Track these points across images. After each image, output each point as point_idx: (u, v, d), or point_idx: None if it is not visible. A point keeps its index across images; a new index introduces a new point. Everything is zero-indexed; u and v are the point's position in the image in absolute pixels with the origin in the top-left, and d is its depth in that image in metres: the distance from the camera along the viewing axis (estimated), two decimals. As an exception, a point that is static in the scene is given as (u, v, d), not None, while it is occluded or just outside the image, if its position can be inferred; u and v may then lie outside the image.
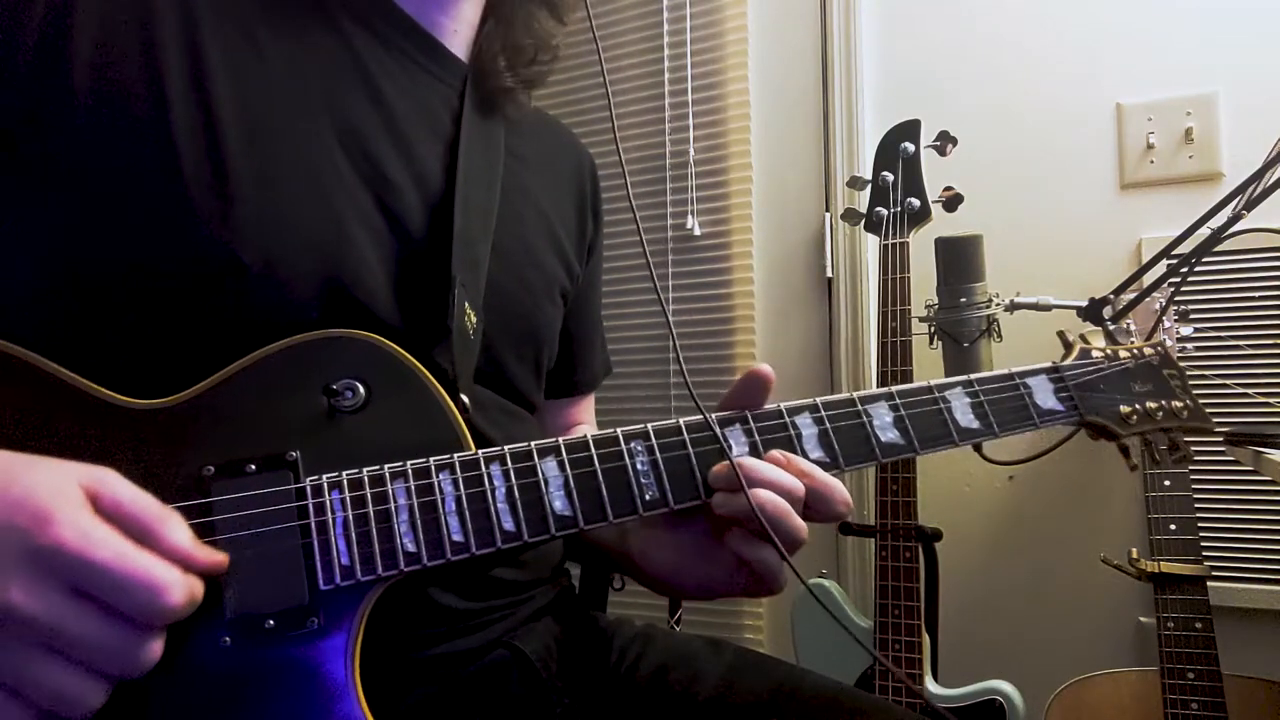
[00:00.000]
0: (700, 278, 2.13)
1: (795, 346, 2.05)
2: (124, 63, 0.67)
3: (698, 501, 0.71)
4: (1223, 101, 1.67)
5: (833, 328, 2.00)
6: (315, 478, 0.63)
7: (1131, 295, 1.21)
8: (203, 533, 0.60)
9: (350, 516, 0.63)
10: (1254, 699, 1.36)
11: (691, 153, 2.12)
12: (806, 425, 0.74)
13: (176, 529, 0.56)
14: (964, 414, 0.78)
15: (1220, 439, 1.14)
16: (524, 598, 0.86)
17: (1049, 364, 0.84)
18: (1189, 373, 0.91)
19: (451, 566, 0.64)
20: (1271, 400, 1.56)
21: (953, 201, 1.61)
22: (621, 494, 0.69)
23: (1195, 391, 0.90)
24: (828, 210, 2.01)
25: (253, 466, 0.62)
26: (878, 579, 1.56)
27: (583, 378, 1.09)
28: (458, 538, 0.64)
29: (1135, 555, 1.44)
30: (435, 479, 0.65)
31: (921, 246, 1.63)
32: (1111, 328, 1.15)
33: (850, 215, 1.76)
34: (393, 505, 0.64)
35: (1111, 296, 1.19)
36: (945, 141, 1.63)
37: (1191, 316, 1.37)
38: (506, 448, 0.68)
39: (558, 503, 0.67)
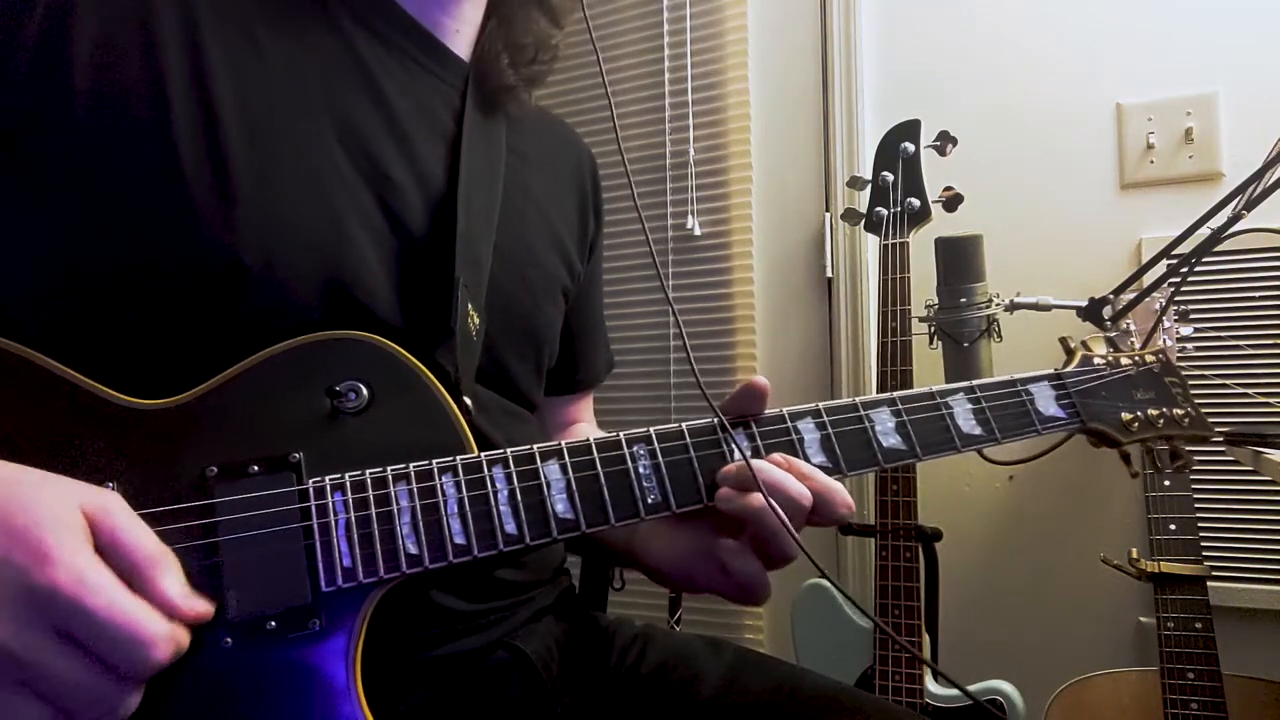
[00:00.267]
0: (700, 278, 2.13)
1: (795, 346, 2.05)
2: (124, 63, 0.67)
3: (699, 505, 0.71)
4: (1223, 101, 1.67)
5: (833, 328, 2.00)
6: (318, 479, 0.63)
7: (1131, 295, 1.21)
8: (205, 534, 0.60)
9: (352, 518, 0.63)
10: (1254, 699, 1.37)
11: (691, 153, 2.12)
12: (809, 430, 0.75)
13: (169, 574, 0.56)
14: (966, 420, 0.78)
15: (1220, 439, 1.14)
16: (525, 599, 0.86)
17: (1051, 370, 0.84)
18: (1188, 373, 0.91)
19: (453, 568, 0.64)
20: (1271, 400, 1.57)
21: (953, 201, 1.61)
22: (623, 497, 0.69)
23: (1195, 392, 0.90)
24: (828, 210, 2.01)
25: (255, 468, 0.62)
26: (878, 579, 1.56)
27: (584, 376, 1.09)
28: (460, 540, 0.64)
29: (1135, 555, 1.44)
30: (438, 481, 0.65)
31: (921, 246, 1.63)
32: (1112, 331, 1.15)
33: (850, 215, 1.76)
34: (395, 507, 0.64)
35: (1111, 296, 1.19)
36: (945, 141, 1.63)
37: (1191, 316, 1.36)
38: (509, 450, 0.68)
39: (560, 505, 0.67)
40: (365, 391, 0.66)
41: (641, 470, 0.70)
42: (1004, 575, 1.84)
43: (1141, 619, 1.70)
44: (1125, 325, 1.20)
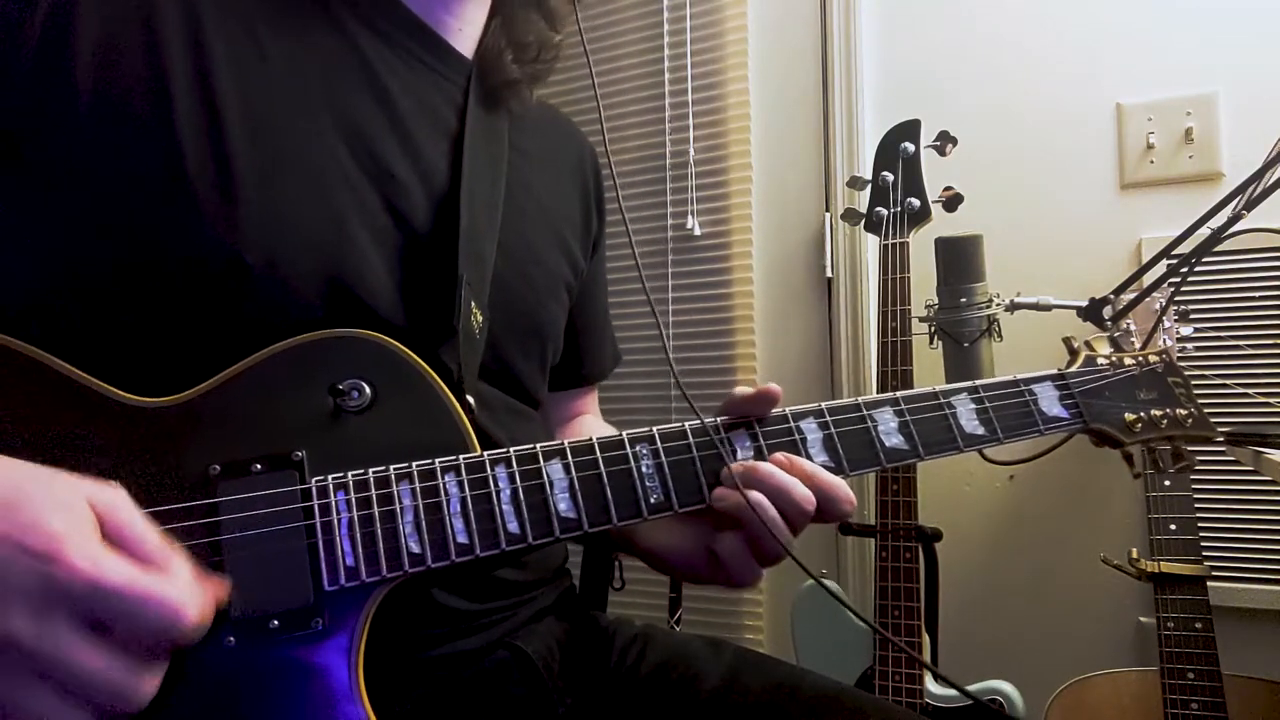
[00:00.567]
0: (700, 278, 2.13)
1: (795, 346, 2.05)
2: (127, 61, 0.67)
3: (702, 505, 0.71)
4: (1223, 101, 1.67)
5: (833, 328, 2.00)
6: (321, 478, 0.63)
7: (1131, 295, 1.21)
8: (208, 532, 0.60)
9: (355, 517, 0.63)
10: (1254, 699, 1.37)
11: (691, 153, 2.12)
12: (811, 430, 0.75)
13: (176, 566, 0.55)
14: (969, 420, 0.78)
15: (1221, 439, 1.14)
16: (526, 598, 0.86)
17: (1055, 371, 0.84)
18: (1189, 373, 0.91)
19: (456, 567, 0.64)
20: (1271, 400, 1.57)
21: (953, 201, 1.61)
22: (626, 496, 0.69)
23: (1195, 392, 0.90)
24: (828, 210, 2.01)
25: (258, 466, 0.62)
26: (878, 579, 1.56)
27: (589, 370, 1.09)
28: (462, 539, 0.64)
29: (1135, 555, 1.44)
30: (440, 480, 0.65)
31: (921, 246, 1.63)
32: (1114, 332, 1.15)
33: (850, 215, 1.76)
34: (398, 506, 0.64)
35: (1111, 296, 1.19)
36: (945, 141, 1.63)
37: (1191, 316, 1.36)
38: (512, 450, 0.68)
39: (562, 505, 0.68)
40: (368, 390, 0.66)
41: (644, 470, 0.70)
42: (1004, 575, 1.84)
43: (1141, 619, 1.70)
44: (1125, 325, 1.19)
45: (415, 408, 0.67)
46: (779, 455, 0.72)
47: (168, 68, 0.68)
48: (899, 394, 0.77)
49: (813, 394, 1.98)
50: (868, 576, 1.87)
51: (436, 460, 0.66)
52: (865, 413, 0.76)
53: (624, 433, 0.71)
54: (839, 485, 0.72)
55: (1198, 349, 1.44)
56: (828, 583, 1.75)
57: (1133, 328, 1.20)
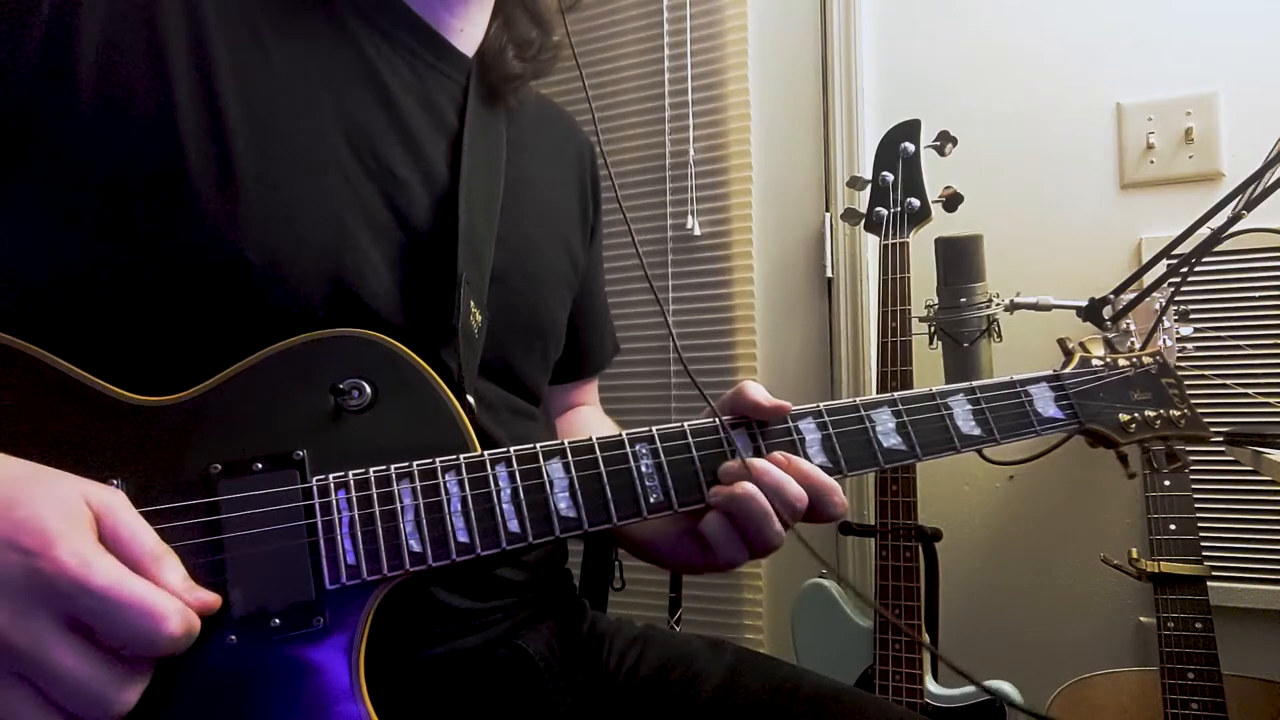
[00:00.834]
0: (700, 278, 2.13)
1: (795, 346, 2.06)
2: (129, 61, 0.67)
3: (701, 504, 0.71)
4: (1223, 101, 1.67)
5: (833, 328, 2.00)
6: (322, 477, 0.63)
7: (1131, 295, 1.21)
8: (209, 531, 0.60)
9: (356, 516, 0.63)
10: (1254, 699, 1.37)
11: (691, 153, 2.12)
12: (810, 430, 0.75)
13: (170, 568, 0.55)
14: (965, 421, 0.79)
15: (1218, 440, 1.14)
16: (526, 598, 0.86)
17: (1050, 372, 0.85)
18: (1189, 373, 0.92)
19: (456, 567, 0.65)
20: (1271, 400, 1.57)
21: (953, 201, 1.61)
22: (626, 496, 0.69)
23: (1195, 391, 0.90)
24: (828, 210, 2.02)
25: (259, 465, 0.62)
26: (878, 579, 1.56)
27: (589, 362, 1.09)
28: (463, 538, 0.65)
29: (1135, 555, 1.45)
30: (441, 480, 0.65)
31: (921, 246, 1.64)
32: (1112, 331, 1.15)
33: (850, 215, 1.76)
34: (399, 505, 0.64)
35: (1111, 296, 1.19)
36: (945, 141, 1.63)
37: (1191, 316, 1.36)
38: (512, 449, 0.68)
39: (562, 504, 0.68)
40: (369, 390, 0.66)
41: (644, 469, 0.70)
42: (1004, 575, 1.84)
43: (1141, 619, 1.71)
44: (1125, 325, 1.20)
45: (416, 407, 0.67)
46: (777, 454, 0.72)
47: (170, 67, 0.68)
48: (896, 395, 0.78)
49: (812, 394, 1.98)
50: (868, 576, 1.87)
51: (437, 459, 0.66)
52: (863, 413, 0.76)
53: (624, 433, 0.71)
54: (834, 488, 0.72)
55: (1198, 349, 1.44)
56: (826, 582, 1.75)
57: (1133, 328, 1.20)
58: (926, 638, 1.56)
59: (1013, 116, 1.84)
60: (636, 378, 2.16)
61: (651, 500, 0.70)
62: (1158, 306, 1.24)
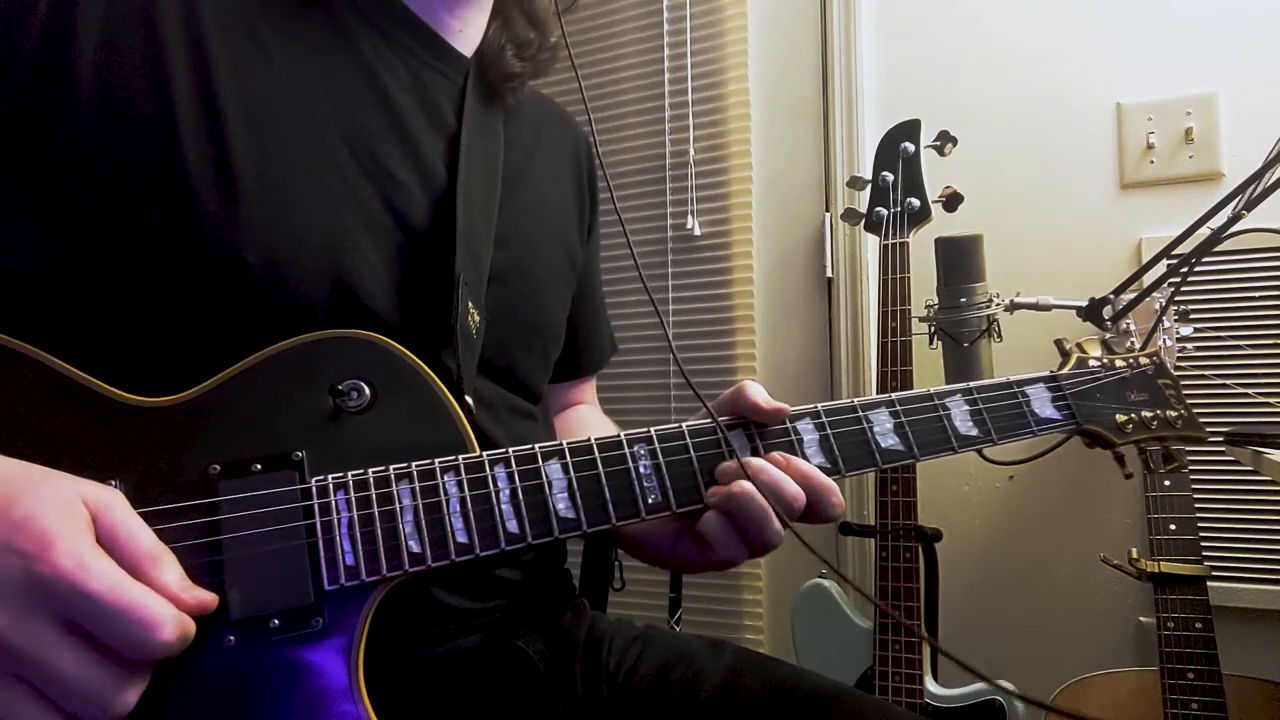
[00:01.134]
0: (700, 278, 2.13)
1: (795, 346, 2.06)
2: (127, 61, 0.67)
3: (699, 505, 0.71)
4: (1223, 101, 1.67)
5: (833, 328, 2.00)
6: (320, 478, 0.63)
7: (1131, 295, 1.21)
8: (208, 532, 0.60)
9: (355, 517, 0.63)
10: (1254, 699, 1.37)
11: (691, 153, 2.12)
12: (808, 431, 0.75)
13: (168, 568, 0.55)
14: (963, 421, 0.79)
15: (1215, 440, 1.14)
16: (526, 598, 0.86)
17: (1047, 373, 0.85)
18: (1189, 373, 0.92)
19: (455, 567, 0.65)
20: (1271, 400, 1.57)
21: (953, 201, 1.61)
22: (624, 496, 0.69)
23: (1195, 392, 0.90)
24: (828, 210, 2.02)
25: (258, 466, 0.62)
26: (878, 579, 1.56)
27: (587, 359, 1.09)
28: (462, 539, 0.65)
29: (1135, 555, 1.44)
30: (440, 480, 0.65)
31: (921, 246, 1.64)
32: (1111, 331, 1.15)
33: (850, 215, 1.76)
34: (398, 506, 0.64)
35: (1111, 296, 1.19)
36: (945, 141, 1.63)
37: (1191, 316, 1.36)
38: (511, 450, 0.68)
39: (561, 505, 0.68)
40: (368, 390, 0.66)
41: (642, 470, 0.70)
42: (1004, 575, 1.84)
43: (1141, 619, 1.70)
44: (1125, 325, 1.20)
45: (415, 408, 0.67)
46: (776, 455, 0.72)
47: (168, 67, 0.68)
48: (894, 395, 0.78)
49: (812, 394, 1.98)
50: (868, 576, 1.87)
51: (436, 460, 0.66)
52: (861, 414, 0.76)
53: (622, 433, 0.72)
54: (831, 488, 0.72)
55: (1198, 349, 1.44)
56: (826, 582, 1.75)
57: (1133, 328, 1.20)
58: (928, 636, 1.55)
59: (1013, 116, 1.84)
60: (636, 378, 2.16)
61: (650, 501, 0.70)
62: (1158, 306, 1.24)
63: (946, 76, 1.90)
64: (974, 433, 0.79)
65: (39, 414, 0.60)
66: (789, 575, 1.95)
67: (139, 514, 0.57)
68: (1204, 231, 1.15)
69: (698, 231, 2.12)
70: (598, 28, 2.24)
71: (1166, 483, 1.42)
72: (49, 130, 0.65)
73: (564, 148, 1.01)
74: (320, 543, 0.62)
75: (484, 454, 0.67)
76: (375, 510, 0.63)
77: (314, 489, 0.63)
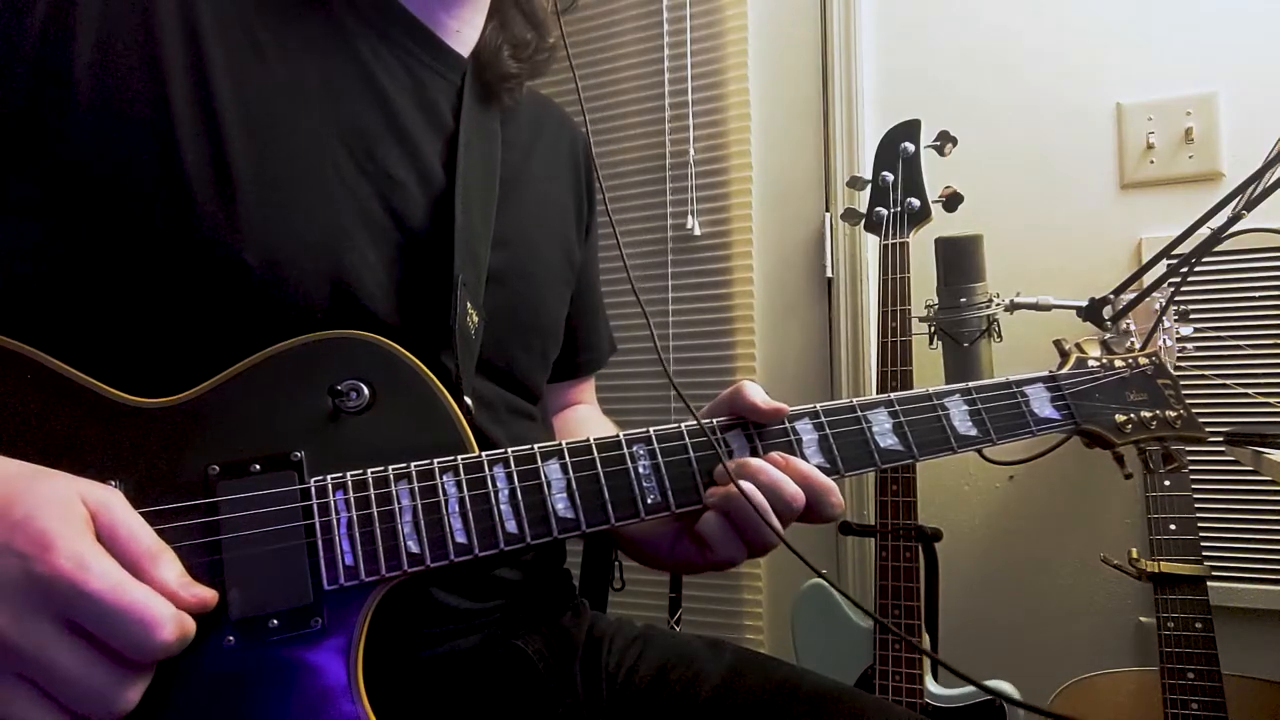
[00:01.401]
0: (700, 278, 2.13)
1: (795, 346, 2.06)
2: (125, 62, 0.67)
3: (699, 506, 0.71)
4: (1223, 101, 1.67)
5: (833, 328, 2.00)
6: (319, 478, 0.63)
7: (1131, 295, 1.21)
8: (207, 532, 0.60)
9: (354, 517, 0.63)
10: (1254, 699, 1.37)
11: (691, 153, 2.12)
12: (807, 431, 0.75)
13: (167, 565, 0.55)
14: (962, 421, 0.79)
15: (1215, 440, 1.14)
16: (525, 598, 0.86)
17: (1046, 373, 0.85)
18: (1189, 373, 0.92)
19: (454, 567, 0.65)
20: (1271, 400, 1.57)
21: (953, 201, 1.61)
22: (623, 497, 0.69)
23: (1195, 392, 0.90)
24: (828, 210, 2.02)
25: (257, 466, 0.62)
26: (878, 579, 1.56)
27: (586, 359, 1.09)
28: (461, 539, 0.65)
29: (1135, 555, 1.44)
30: (439, 480, 0.65)
31: (921, 246, 1.64)
32: (1111, 331, 1.15)
33: (850, 215, 1.76)
34: (396, 506, 0.64)
35: (1111, 296, 1.19)
36: (945, 141, 1.63)
37: (1191, 316, 1.36)
38: (510, 450, 0.68)
39: (560, 505, 0.68)
40: (367, 391, 0.66)
41: (641, 470, 0.70)
42: (1004, 575, 1.84)
43: (1141, 619, 1.70)
44: (1125, 325, 1.19)
45: (413, 409, 0.67)
46: (775, 455, 0.72)
47: (165, 68, 0.68)
48: (893, 395, 0.78)
49: (812, 394, 1.98)
50: (868, 576, 1.87)
51: (435, 461, 0.66)
52: (860, 414, 0.76)
53: (621, 434, 0.72)
54: (831, 488, 0.72)
55: (1198, 349, 1.44)
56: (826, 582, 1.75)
57: (1133, 328, 1.20)
58: (926, 639, 1.55)
59: (1013, 116, 1.84)
60: (635, 378, 2.16)
61: (649, 501, 0.70)
62: (1158, 306, 1.24)
63: (946, 76, 1.90)
64: (973, 433, 0.79)
65: (38, 415, 0.60)
66: (789, 575, 1.95)
67: (138, 514, 0.57)
68: (1204, 231, 1.15)
69: (698, 231, 2.12)
70: (598, 28, 2.24)
71: (1166, 483, 1.42)
72: (48, 130, 0.65)
73: (562, 147, 1.01)
74: (319, 543, 0.62)
75: (483, 454, 0.67)
76: (374, 510, 0.63)
77: (313, 489, 0.63)
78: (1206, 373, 1.57)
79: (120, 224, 0.66)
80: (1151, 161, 1.72)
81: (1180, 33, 1.71)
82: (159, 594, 0.53)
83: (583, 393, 1.13)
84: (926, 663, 1.55)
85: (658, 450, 0.71)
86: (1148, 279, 1.20)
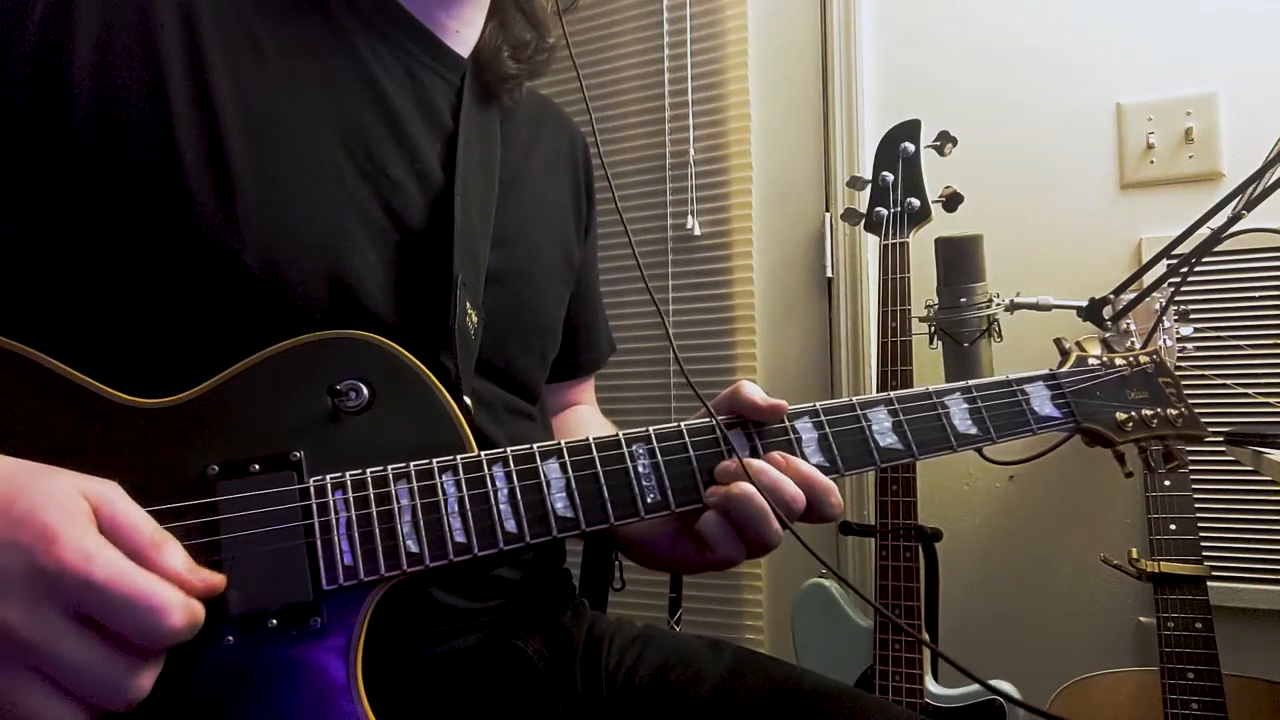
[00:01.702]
0: (700, 278, 2.13)
1: (795, 346, 2.06)
2: (124, 63, 0.67)
3: (698, 505, 0.71)
4: (1223, 101, 1.67)
5: (833, 328, 2.00)
6: (319, 478, 0.63)
7: (1131, 295, 1.21)
8: (206, 532, 0.60)
9: (353, 516, 0.63)
10: (1254, 699, 1.37)
11: (691, 153, 2.12)
12: (806, 430, 0.75)
13: (172, 552, 0.55)
14: (962, 420, 0.79)
15: (1216, 439, 1.14)
16: (524, 598, 0.86)
17: (1046, 371, 0.85)
18: (1189, 373, 0.92)
19: (453, 566, 0.65)
20: (1271, 400, 1.57)
21: (953, 201, 1.61)
22: (623, 496, 0.69)
23: (1195, 391, 0.90)
24: (828, 210, 2.02)
25: (256, 466, 0.62)
26: (878, 579, 1.56)
27: (585, 359, 1.09)
28: (460, 538, 0.65)
29: (1135, 555, 1.44)
30: (438, 480, 0.65)
31: (921, 246, 1.64)
32: (1109, 332, 1.15)
33: (850, 215, 1.76)
34: (396, 506, 0.64)
35: (1111, 296, 1.19)
36: (945, 141, 1.63)
37: (1191, 316, 1.37)
38: (509, 449, 0.68)
39: (559, 504, 0.68)
40: (366, 391, 0.66)
41: (641, 470, 0.70)
42: (1004, 575, 1.84)
43: (1141, 619, 1.70)
44: (1125, 325, 1.20)
45: (413, 408, 0.67)
46: (775, 455, 0.72)
47: (164, 69, 0.68)
48: (893, 394, 0.78)
49: (812, 394, 1.98)
50: (868, 576, 1.87)
51: (434, 460, 0.66)
52: (859, 413, 0.76)
53: (620, 433, 0.71)
54: (831, 489, 0.72)
55: (1198, 349, 1.44)
56: (826, 582, 1.75)
57: (1133, 328, 1.20)
58: (926, 637, 1.55)
59: (1012, 116, 1.84)
60: (635, 378, 2.16)
61: (649, 501, 0.70)
62: (1158, 306, 1.24)
63: (946, 76, 1.90)
64: (973, 431, 0.79)
65: (37, 415, 0.60)
66: (789, 575, 1.95)
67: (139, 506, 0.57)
68: (1204, 231, 1.15)
69: (698, 231, 2.12)
70: (598, 28, 2.24)
71: (1166, 482, 1.42)
72: (47, 130, 0.65)
73: (561, 147, 1.01)
74: (319, 543, 0.62)
75: (482, 454, 0.67)
76: (373, 510, 0.63)
77: (312, 489, 0.63)
78: (1206, 373, 1.57)
79: (119, 224, 0.66)
80: (1151, 161, 1.72)
81: (1180, 33, 1.71)
82: (166, 580, 0.53)
83: (582, 393, 1.13)
84: (926, 663, 1.55)
85: (657, 449, 0.71)
86: (1148, 279, 1.20)
